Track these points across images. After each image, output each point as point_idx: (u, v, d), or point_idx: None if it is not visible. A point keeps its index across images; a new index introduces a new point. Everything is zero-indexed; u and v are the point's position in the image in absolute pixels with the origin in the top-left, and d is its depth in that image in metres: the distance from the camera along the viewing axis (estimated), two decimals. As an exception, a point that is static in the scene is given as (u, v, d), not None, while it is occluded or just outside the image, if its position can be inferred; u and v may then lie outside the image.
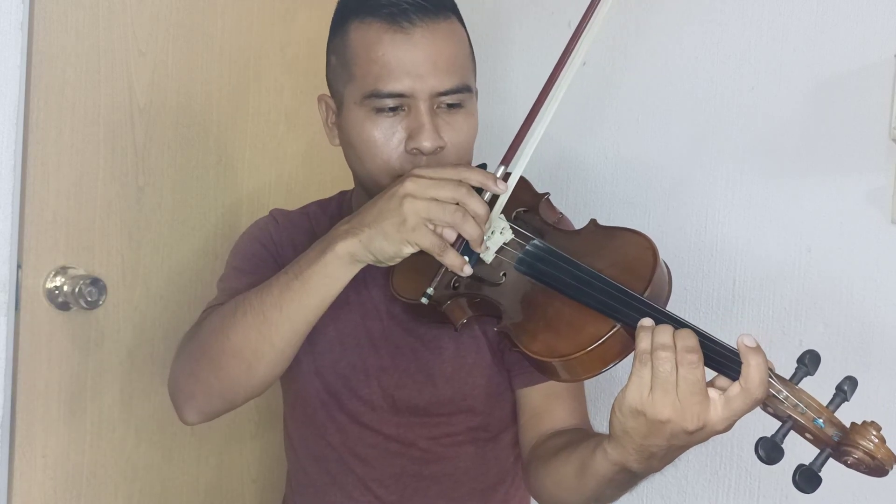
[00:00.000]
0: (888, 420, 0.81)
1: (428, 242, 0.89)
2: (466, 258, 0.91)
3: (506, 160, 0.96)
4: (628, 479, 0.88)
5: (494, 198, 0.96)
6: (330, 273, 0.94)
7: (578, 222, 1.19)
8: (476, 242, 0.92)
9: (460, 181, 0.91)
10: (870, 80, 1.09)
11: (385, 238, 0.90)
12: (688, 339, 0.80)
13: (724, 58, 1.23)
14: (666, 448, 0.82)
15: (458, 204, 0.90)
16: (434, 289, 0.95)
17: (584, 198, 1.39)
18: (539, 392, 1.08)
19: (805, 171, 1.15)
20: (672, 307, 0.93)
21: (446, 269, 0.93)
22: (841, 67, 1.12)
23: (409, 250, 0.91)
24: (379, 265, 0.94)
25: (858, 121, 1.10)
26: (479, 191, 0.94)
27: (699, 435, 0.80)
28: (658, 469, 0.85)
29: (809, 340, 1.14)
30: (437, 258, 0.91)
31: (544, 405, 1.08)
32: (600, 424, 1.22)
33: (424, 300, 0.94)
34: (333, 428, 1.14)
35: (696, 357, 0.79)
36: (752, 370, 0.78)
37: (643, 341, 0.81)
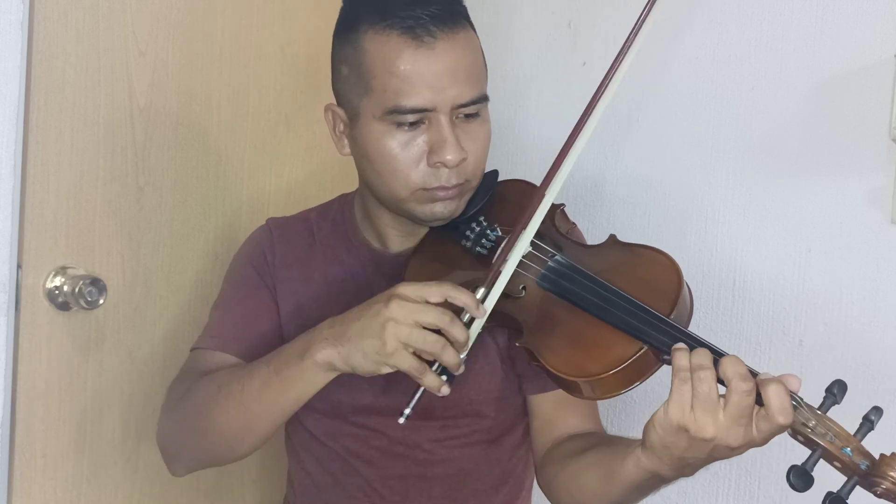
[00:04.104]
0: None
1: (406, 365, 0.90)
2: (445, 378, 0.91)
3: (524, 221, 0.96)
4: (658, 484, 0.89)
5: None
6: (307, 378, 0.96)
7: (577, 224, 1.19)
8: (453, 368, 0.92)
9: (445, 301, 0.91)
10: (870, 80, 1.09)
11: (364, 357, 0.91)
12: (739, 367, 0.80)
13: (724, 58, 1.23)
14: (704, 460, 0.83)
15: (439, 330, 0.90)
16: (412, 409, 0.93)
17: (583, 198, 1.39)
18: (551, 398, 1.08)
19: (805, 172, 1.15)
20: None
21: (424, 389, 0.92)
22: (841, 67, 1.12)
23: (386, 370, 0.92)
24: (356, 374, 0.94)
25: (858, 121, 1.10)
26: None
27: (741, 450, 0.82)
28: (690, 475, 0.87)
29: (809, 340, 1.14)
30: (416, 380, 0.91)
31: (557, 411, 1.09)
32: (609, 426, 1.22)
33: (402, 421, 0.93)
34: (335, 433, 1.14)
35: (751, 386, 0.79)
36: (771, 398, 0.79)
37: (681, 359, 0.81)
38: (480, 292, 0.94)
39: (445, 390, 0.92)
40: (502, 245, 0.97)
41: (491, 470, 1.14)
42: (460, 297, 0.92)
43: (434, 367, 0.91)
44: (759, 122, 1.20)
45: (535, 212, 0.96)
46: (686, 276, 0.95)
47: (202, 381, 1.06)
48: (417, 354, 0.90)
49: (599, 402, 1.13)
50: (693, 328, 0.90)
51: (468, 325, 0.93)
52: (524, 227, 0.96)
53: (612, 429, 1.34)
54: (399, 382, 1.09)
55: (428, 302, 0.90)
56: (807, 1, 1.15)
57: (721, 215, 1.24)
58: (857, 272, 1.11)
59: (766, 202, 1.19)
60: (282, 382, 0.97)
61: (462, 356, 0.92)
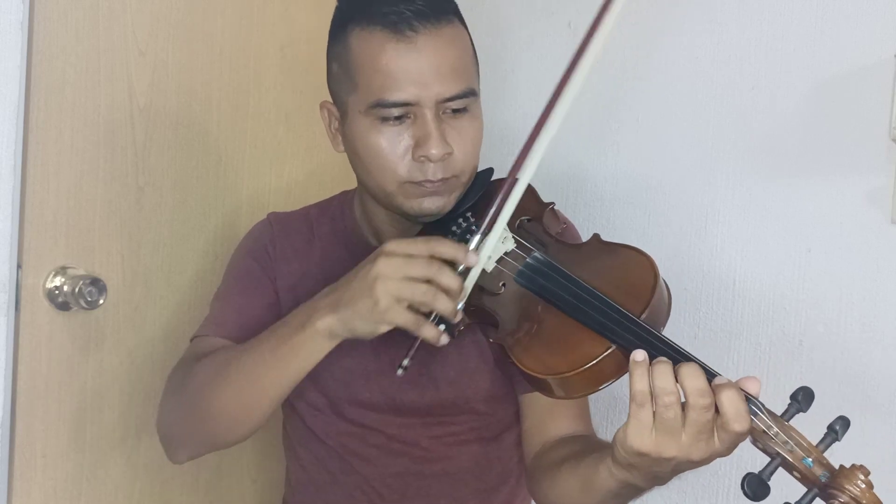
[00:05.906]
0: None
1: (402, 320, 0.90)
2: (443, 328, 0.92)
3: (494, 215, 0.96)
4: (634, 492, 0.88)
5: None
6: (310, 346, 0.96)
7: (577, 223, 1.19)
8: (450, 316, 0.92)
9: (432, 256, 0.91)
10: (870, 80, 1.09)
11: (360, 318, 0.92)
12: (698, 380, 0.77)
13: (724, 58, 1.23)
14: (671, 472, 0.82)
15: (430, 281, 0.90)
16: (410, 360, 0.94)
17: (583, 198, 1.39)
18: (542, 399, 1.08)
19: (805, 171, 1.15)
20: (672, 307, 0.93)
21: (422, 340, 0.93)
22: (841, 67, 1.12)
23: (384, 328, 0.92)
24: (360, 339, 0.95)
25: (858, 121, 1.10)
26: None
27: (704, 462, 0.81)
28: (663, 484, 0.86)
29: (809, 340, 1.14)
30: (414, 334, 0.91)
31: (548, 412, 1.08)
32: (601, 431, 1.23)
33: (400, 372, 0.94)
34: (333, 430, 1.14)
35: (710, 401, 0.77)
36: (725, 405, 0.77)
37: (639, 382, 0.78)
38: (474, 241, 0.95)
39: (444, 339, 0.92)
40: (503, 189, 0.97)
41: (491, 467, 1.14)
42: (444, 248, 0.92)
43: (432, 318, 0.92)
44: (759, 122, 1.20)
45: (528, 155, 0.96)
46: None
47: (201, 363, 1.05)
48: (414, 310, 0.91)
49: (594, 404, 1.12)
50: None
51: (464, 275, 0.93)
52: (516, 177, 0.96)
53: (611, 428, 1.34)
54: (395, 377, 1.10)
55: (414, 256, 0.91)
56: (807, 1, 1.15)
57: (721, 215, 1.24)
58: (857, 272, 1.11)
59: (766, 202, 1.19)
60: (289, 351, 0.97)
61: (459, 306, 0.92)
